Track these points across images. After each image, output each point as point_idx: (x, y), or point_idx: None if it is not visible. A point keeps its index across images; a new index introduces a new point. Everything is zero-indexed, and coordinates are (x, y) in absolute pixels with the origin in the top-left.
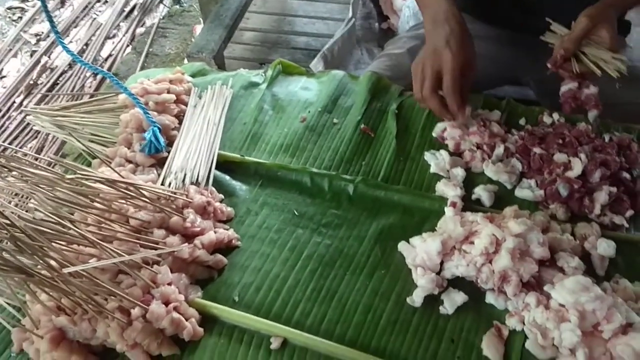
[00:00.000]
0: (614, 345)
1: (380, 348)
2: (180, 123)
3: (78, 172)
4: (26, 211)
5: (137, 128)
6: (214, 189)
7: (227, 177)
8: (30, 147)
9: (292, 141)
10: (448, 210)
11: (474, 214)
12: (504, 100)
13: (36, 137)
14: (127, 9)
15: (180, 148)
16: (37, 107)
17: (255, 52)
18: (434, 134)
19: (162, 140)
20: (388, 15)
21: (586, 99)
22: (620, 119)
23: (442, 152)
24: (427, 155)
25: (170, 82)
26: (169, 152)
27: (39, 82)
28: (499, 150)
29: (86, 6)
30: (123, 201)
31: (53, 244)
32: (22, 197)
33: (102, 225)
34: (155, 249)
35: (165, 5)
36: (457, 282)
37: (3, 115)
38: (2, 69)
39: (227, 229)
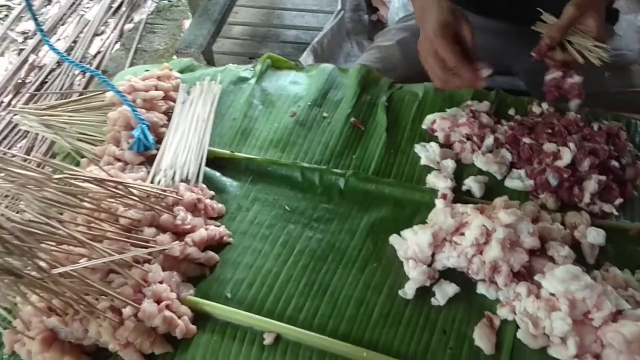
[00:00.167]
0: (604, 332)
1: (373, 341)
2: (169, 120)
3: (65, 171)
4: (17, 212)
5: (125, 126)
6: (204, 185)
7: (218, 174)
8: (20, 147)
9: (282, 136)
10: (438, 202)
11: (464, 206)
12: (494, 91)
13: (25, 137)
14: (115, 5)
15: (170, 145)
16: (25, 106)
17: (244, 46)
18: (423, 126)
19: (150, 137)
20: (377, 7)
21: (569, 88)
22: (609, 107)
23: (432, 144)
24: (418, 148)
25: (158, 78)
26: (158, 150)
27: (27, 80)
28: (489, 141)
29: (73, 3)
30: (112, 200)
31: (42, 244)
32: (11, 198)
33: (92, 224)
34: (146, 247)
35: (153, 1)
36: (449, 274)
37: None
38: None
39: (219, 226)
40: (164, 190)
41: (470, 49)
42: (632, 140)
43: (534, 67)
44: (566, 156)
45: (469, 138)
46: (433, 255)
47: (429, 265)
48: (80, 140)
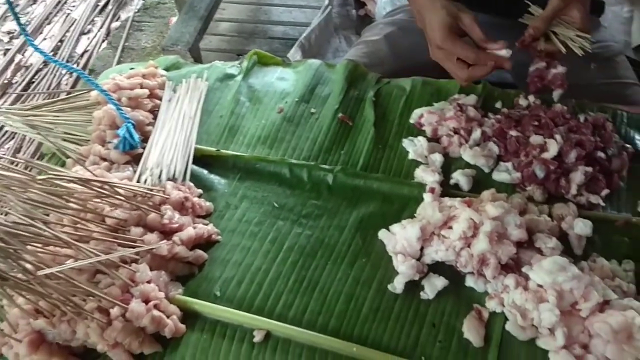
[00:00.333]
0: (592, 323)
1: (362, 336)
2: (155, 118)
3: (50, 172)
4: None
5: (111, 125)
6: (191, 184)
7: (205, 172)
8: (8, 149)
9: (269, 132)
10: (426, 197)
11: (452, 199)
12: (480, 84)
13: (13, 138)
14: (102, 3)
15: (156, 143)
16: (9, 107)
17: (232, 43)
18: (411, 121)
19: (136, 136)
20: (365, 2)
21: (553, 79)
22: (595, 99)
23: (420, 138)
24: (405, 142)
25: (143, 76)
26: (144, 148)
27: (13, 81)
28: (476, 134)
29: (59, 2)
30: (98, 200)
31: (28, 246)
32: None
33: (78, 225)
34: (133, 247)
35: None
36: (437, 267)
37: None
38: None
39: (207, 224)
40: (151, 189)
41: (479, 38)
42: (618, 131)
43: (522, 60)
44: (552, 148)
45: (456, 132)
46: (422, 249)
47: (418, 260)
48: (66, 140)
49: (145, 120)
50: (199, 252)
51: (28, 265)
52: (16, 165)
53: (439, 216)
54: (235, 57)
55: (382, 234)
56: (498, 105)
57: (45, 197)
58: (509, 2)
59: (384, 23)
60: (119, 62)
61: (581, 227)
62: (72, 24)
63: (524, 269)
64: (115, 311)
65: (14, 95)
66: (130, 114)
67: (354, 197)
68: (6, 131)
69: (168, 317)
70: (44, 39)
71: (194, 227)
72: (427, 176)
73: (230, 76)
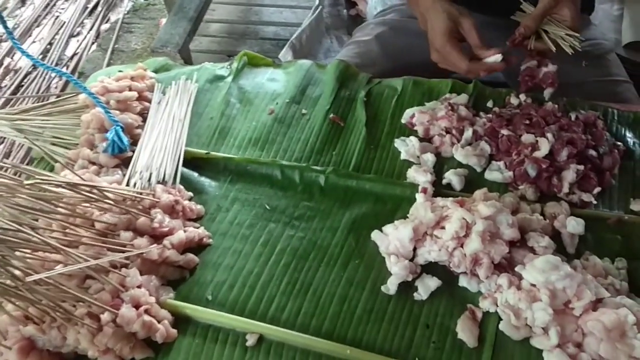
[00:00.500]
0: (585, 321)
1: (356, 338)
2: (144, 121)
3: (37, 177)
4: None
5: (99, 128)
6: (181, 187)
7: (196, 174)
8: None
9: (260, 134)
10: (419, 197)
11: (444, 199)
12: (471, 84)
13: (2, 142)
14: (91, 5)
15: (145, 146)
16: None
17: (222, 44)
18: (403, 121)
19: (125, 139)
20: (356, 2)
21: (544, 77)
22: (586, 97)
23: (412, 138)
24: (397, 142)
25: (132, 79)
26: (133, 152)
27: (2, 84)
28: (468, 133)
29: (48, 4)
30: (87, 205)
31: (16, 252)
32: None
33: (67, 230)
34: (123, 251)
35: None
36: (431, 268)
37: None
38: None
39: (198, 227)
40: (140, 193)
41: (475, 44)
42: (609, 129)
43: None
44: (544, 147)
45: (448, 131)
46: (415, 249)
47: (411, 260)
48: (54, 144)
49: (135, 123)
50: (190, 255)
51: (16, 272)
52: (5, 171)
53: (431, 216)
54: (226, 59)
55: (375, 235)
56: (489, 104)
57: (34, 202)
58: (502, 1)
59: (375, 23)
60: (108, 65)
61: (573, 226)
62: (61, 27)
63: (517, 268)
64: (105, 317)
65: (2, 99)
66: (119, 116)
67: (346, 198)
68: None
69: (159, 322)
70: (33, 41)
71: (185, 231)
72: (419, 176)
73: (220, 78)
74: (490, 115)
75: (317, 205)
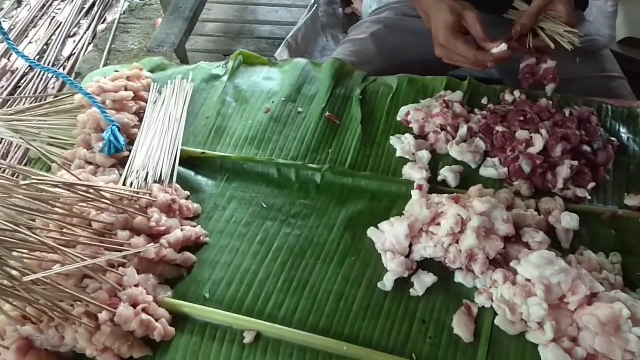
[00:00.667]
0: (580, 316)
1: (353, 334)
2: (140, 120)
3: (33, 177)
4: None
5: (96, 128)
6: (178, 186)
7: (193, 173)
8: None
9: (257, 133)
10: (414, 194)
11: (439, 196)
12: (466, 81)
13: (0, 143)
14: (87, 6)
15: (142, 146)
16: None
17: (218, 43)
18: (398, 118)
19: (121, 139)
20: (351, 0)
21: (544, 74)
22: (581, 93)
23: (407, 135)
24: (393, 140)
25: (128, 78)
26: (130, 151)
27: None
28: (463, 130)
29: (44, 5)
30: (84, 204)
31: (13, 253)
32: None
33: (64, 230)
34: (120, 251)
35: (126, 0)
36: (426, 264)
37: None
38: None
39: (195, 226)
40: (137, 192)
41: (479, 37)
42: (603, 124)
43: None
44: (538, 143)
45: (443, 128)
46: (410, 246)
47: (407, 257)
48: (51, 145)
49: (131, 123)
50: (188, 254)
51: (14, 272)
52: (2, 172)
53: (427, 213)
54: (223, 58)
55: (371, 232)
56: (484, 101)
57: (31, 202)
58: None
59: (371, 21)
60: (105, 65)
61: (568, 221)
62: (58, 27)
63: (512, 264)
64: (103, 316)
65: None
66: (115, 116)
67: (343, 195)
68: None
69: (157, 320)
70: (30, 42)
71: (182, 230)
72: (414, 173)
73: (216, 77)
74: (485, 112)
75: (313, 203)
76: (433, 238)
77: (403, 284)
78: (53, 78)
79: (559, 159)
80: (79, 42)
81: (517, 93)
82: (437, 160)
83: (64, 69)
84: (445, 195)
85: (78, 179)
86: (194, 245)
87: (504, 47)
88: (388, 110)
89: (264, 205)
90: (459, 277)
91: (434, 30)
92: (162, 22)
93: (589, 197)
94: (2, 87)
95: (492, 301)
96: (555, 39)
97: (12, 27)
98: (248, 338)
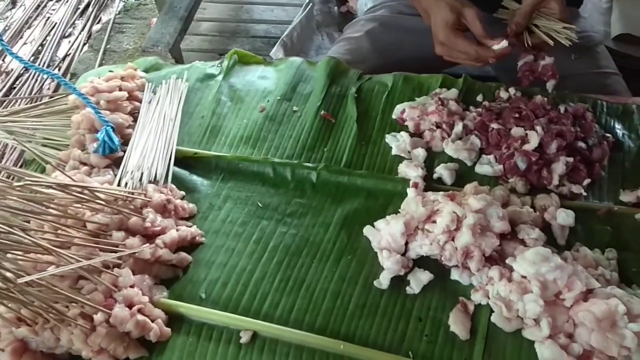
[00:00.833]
0: (576, 312)
1: (350, 333)
2: (135, 120)
3: (27, 178)
4: None
5: (90, 128)
6: (173, 186)
7: (188, 173)
8: None
9: (252, 132)
10: (410, 192)
11: (435, 193)
12: (461, 78)
13: None
14: (82, 6)
15: (136, 146)
16: None
17: (213, 42)
18: (393, 116)
19: (116, 139)
20: None
21: (543, 70)
22: (576, 89)
23: (403, 133)
24: (388, 138)
25: (122, 78)
26: (124, 152)
27: None
28: (458, 128)
29: (39, 5)
30: (79, 205)
31: (7, 254)
32: None
33: (59, 231)
34: (115, 251)
35: (120, 0)
36: (422, 262)
37: None
38: None
39: (190, 226)
40: (132, 193)
41: (479, 33)
42: (598, 121)
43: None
44: (533, 140)
45: (438, 126)
46: (406, 244)
47: (403, 255)
48: (45, 146)
49: (125, 123)
50: (183, 254)
51: (8, 274)
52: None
53: (422, 211)
54: (218, 57)
55: (367, 230)
56: (479, 98)
57: (25, 204)
58: None
59: (365, 19)
60: (100, 65)
61: (564, 217)
62: (53, 28)
63: (507, 261)
64: (98, 317)
65: None
66: (110, 117)
67: (338, 194)
68: None
69: (153, 321)
70: (25, 43)
71: (177, 230)
72: (410, 171)
73: (211, 76)
74: (480, 110)
75: (309, 201)
76: (429, 236)
77: (399, 282)
78: (48, 79)
79: (554, 156)
80: (74, 42)
81: (512, 90)
82: (432, 158)
83: (59, 70)
84: (441, 192)
85: (72, 179)
86: (189, 246)
87: (504, 43)
88: (383, 108)
89: (260, 205)
90: (454, 275)
91: (433, 28)
92: (156, 21)
93: (584, 194)
94: None
95: (488, 298)
96: (551, 35)
97: (6, 28)
98: (244, 338)
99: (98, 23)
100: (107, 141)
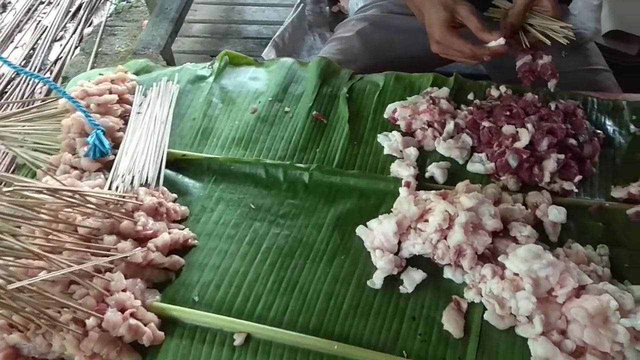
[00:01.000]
0: (569, 308)
1: (344, 333)
2: (125, 124)
3: (17, 183)
4: None
5: (80, 132)
6: (165, 189)
7: (180, 176)
8: None
9: (244, 133)
10: (402, 191)
11: (427, 192)
12: (452, 77)
13: None
14: (73, 9)
15: (127, 149)
16: None
17: (205, 44)
18: (385, 116)
19: (106, 142)
20: None
21: (542, 69)
22: (566, 86)
23: (395, 133)
24: (380, 137)
25: (112, 81)
26: (115, 155)
27: None
28: (449, 126)
29: (29, 9)
30: (70, 210)
31: None
32: None
33: (50, 236)
34: (107, 256)
35: (112, 2)
36: (415, 261)
37: None
38: None
39: (182, 229)
40: (123, 196)
41: (476, 28)
42: (589, 117)
43: None
44: (524, 137)
45: (430, 125)
46: (399, 243)
47: (396, 254)
48: (36, 150)
49: (116, 126)
50: (175, 257)
51: None
52: None
53: (414, 210)
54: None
55: (360, 230)
56: (470, 96)
57: (15, 209)
58: None
59: (357, 19)
60: (92, 68)
61: (555, 214)
62: (44, 31)
63: (500, 258)
64: (91, 322)
65: None
66: (100, 120)
67: (331, 194)
68: None
69: (146, 325)
70: (16, 47)
71: (169, 233)
72: (402, 170)
73: (202, 78)
74: (471, 108)
75: (301, 202)
76: (421, 234)
77: (392, 281)
78: (40, 83)
79: (545, 153)
80: (65, 45)
81: (502, 88)
82: (424, 157)
83: (50, 73)
84: (433, 191)
85: (62, 184)
86: (182, 248)
87: (501, 41)
88: (375, 107)
89: (252, 206)
90: (447, 273)
91: (428, 27)
92: (147, 23)
93: (576, 190)
94: None
95: (481, 296)
96: (547, 34)
97: None
98: (238, 340)
99: (89, 26)
100: (97, 145)
